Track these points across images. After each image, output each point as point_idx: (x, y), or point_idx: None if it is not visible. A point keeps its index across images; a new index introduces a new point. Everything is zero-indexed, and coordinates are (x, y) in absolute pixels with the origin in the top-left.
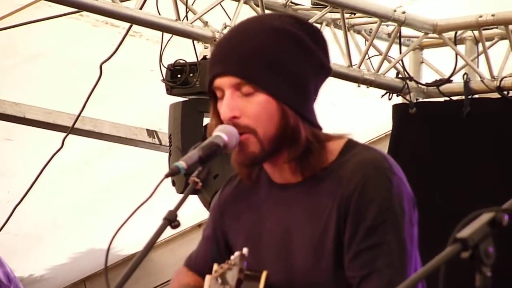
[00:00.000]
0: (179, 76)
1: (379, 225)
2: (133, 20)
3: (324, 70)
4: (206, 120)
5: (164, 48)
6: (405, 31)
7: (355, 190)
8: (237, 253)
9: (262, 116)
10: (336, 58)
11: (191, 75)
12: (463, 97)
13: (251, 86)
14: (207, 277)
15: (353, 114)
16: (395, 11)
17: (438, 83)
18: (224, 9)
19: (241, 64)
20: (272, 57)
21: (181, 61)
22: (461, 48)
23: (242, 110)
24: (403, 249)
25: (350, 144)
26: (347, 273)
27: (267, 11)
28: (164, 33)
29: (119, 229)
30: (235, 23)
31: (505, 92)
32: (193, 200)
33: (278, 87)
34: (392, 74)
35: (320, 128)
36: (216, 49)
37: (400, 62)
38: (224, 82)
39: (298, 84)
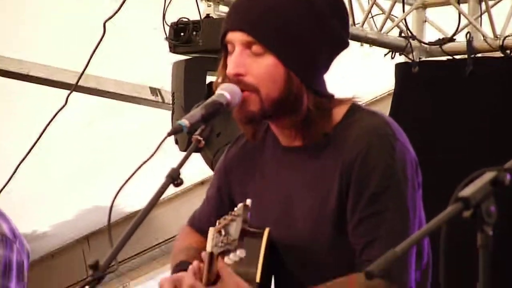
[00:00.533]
0: (182, 34)
1: (382, 192)
2: None
3: (339, 41)
4: (209, 79)
5: (167, 6)
6: None
7: (358, 157)
8: (240, 204)
9: (267, 78)
10: None
11: (194, 33)
12: (466, 56)
13: (261, 46)
14: (211, 229)
15: (356, 73)
16: None
17: (441, 42)
18: None
19: (254, 23)
20: (287, 22)
21: (184, 19)
22: (464, 7)
23: (248, 68)
24: (406, 215)
25: (354, 109)
26: (350, 239)
27: None
28: None
29: (122, 186)
30: None
31: (508, 51)
32: (196, 158)
33: (287, 52)
34: (395, 33)
35: (329, 96)
36: (235, 3)
37: (403, 21)
38: (235, 37)
39: (309, 52)
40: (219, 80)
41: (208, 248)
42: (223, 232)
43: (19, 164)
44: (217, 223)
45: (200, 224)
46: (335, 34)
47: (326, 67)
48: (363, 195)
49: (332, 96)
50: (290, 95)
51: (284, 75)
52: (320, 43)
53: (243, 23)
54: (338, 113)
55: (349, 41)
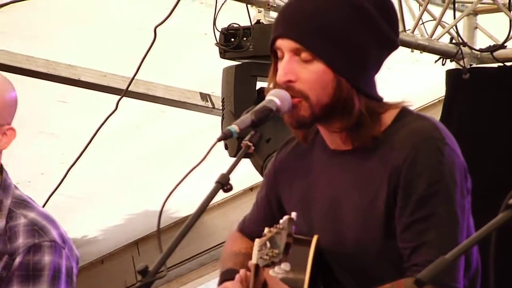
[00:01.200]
0: (232, 40)
1: (430, 197)
2: None
3: (389, 42)
4: (259, 84)
5: (218, 12)
6: None
7: (406, 161)
8: (285, 217)
9: (316, 84)
10: None
11: (245, 39)
12: None
13: (309, 53)
14: (256, 241)
15: (406, 79)
16: None
17: (492, 49)
18: None
19: (302, 30)
20: (335, 27)
21: (235, 25)
22: None
23: (298, 75)
24: (455, 221)
25: (404, 113)
26: (399, 244)
27: None
28: None
29: (172, 191)
30: None
31: None
32: (246, 164)
33: (336, 58)
34: (445, 39)
35: (379, 99)
36: (283, 10)
37: (454, 27)
38: (284, 44)
39: (358, 57)
40: (270, 87)
41: (254, 260)
42: (268, 245)
43: (69, 168)
44: (263, 235)
45: (249, 229)
46: (383, 36)
47: (376, 69)
48: (411, 199)
49: (381, 99)
50: (340, 99)
51: (334, 81)
52: (369, 46)
53: (290, 30)
54: (388, 117)
55: (400, 47)
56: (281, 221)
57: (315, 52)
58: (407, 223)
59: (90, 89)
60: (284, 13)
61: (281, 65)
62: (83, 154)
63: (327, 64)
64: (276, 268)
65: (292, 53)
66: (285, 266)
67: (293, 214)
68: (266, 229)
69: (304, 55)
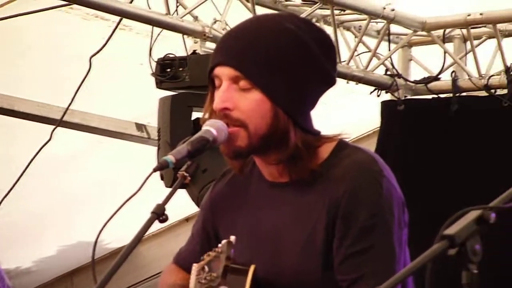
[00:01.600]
0: (168, 70)
1: (368, 229)
2: (123, 14)
3: (327, 78)
4: (195, 115)
5: (153, 43)
6: (394, 28)
7: (345, 194)
8: (224, 241)
9: (254, 113)
10: None
11: (181, 69)
12: (451, 95)
13: (248, 81)
14: (194, 265)
15: (341, 110)
16: (384, 8)
17: (426, 81)
18: (214, 4)
19: (241, 58)
20: (275, 57)
21: (171, 55)
22: (449, 46)
23: (236, 103)
24: (392, 253)
25: (341, 146)
26: (337, 276)
27: (257, 7)
28: (154, 27)
29: (107, 222)
30: (225, 18)
31: (493, 91)
32: (182, 194)
33: (275, 88)
34: (381, 71)
35: (315, 134)
36: (224, 38)
37: (389, 59)
38: (223, 72)
39: (296, 89)
40: (206, 116)
41: (192, 285)
42: (206, 269)
43: (3, 199)
44: (201, 259)
45: (185, 261)
46: (322, 70)
47: (313, 104)
48: (349, 231)
49: (318, 132)
50: (277, 130)
51: (271, 111)
52: (308, 79)
53: (230, 58)
54: (325, 150)
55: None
56: (219, 245)
57: (253, 81)
58: (345, 254)
59: (25, 119)
60: (224, 41)
61: (219, 93)
62: (17, 184)
63: (265, 93)
64: None
65: (230, 81)
66: None
67: (232, 238)
68: (205, 255)
69: (243, 83)
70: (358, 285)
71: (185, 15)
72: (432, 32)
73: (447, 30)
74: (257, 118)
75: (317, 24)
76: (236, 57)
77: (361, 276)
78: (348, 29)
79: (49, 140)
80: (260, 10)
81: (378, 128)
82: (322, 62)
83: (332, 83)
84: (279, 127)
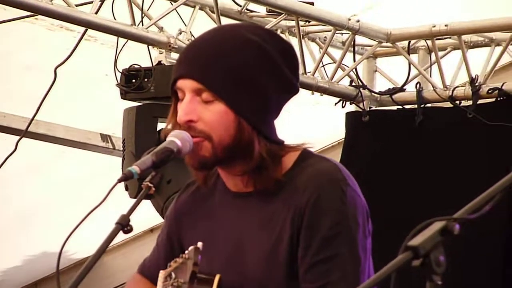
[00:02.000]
0: (133, 81)
1: (333, 237)
2: (88, 25)
3: (290, 88)
4: (160, 125)
5: (119, 53)
6: (359, 39)
7: (309, 202)
8: (191, 247)
9: (218, 125)
10: None
11: (146, 80)
12: (416, 106)
13: (211, 93)
14: (161, 272)
15: (306, 121)
16: (349, 19)
17: (391, 92)
18: (179, 15)
19: (204, 70)
20: (238, 69)
21: (136, 66)
22: (414, 57)
23: (199, 115)
24: (357, 261)
25: (305, 155)
26: (301, 285)
27: (222, 18)
28: (119, 38)
29: (72, 232)
30: (190, 29)
31: (457, 102)
32: (146, 205)
33: (237, 99)
34: (345, 82)
35: (279, 143)
36: (186, 50)
37: (354, 70)
38: (186, 84)
39: (259, 99)
40: (169, 127)
41: None
42: (173, 275)
43: None
44: (168, 266)
45: (150, 271)
46: (285, 80)
47: (276, 113)
48: (314, 240)
49: (282, 142)
50: (242, 141)
51: (235, 122)
52: (271, 89)
53: (192, 70)
54: (289, 159)
55: (300, 89)
56: (186, 251)
57: (216, 93)
58: (310, 263)
59: None
60: (186, 54)
61: (182, 105)
62: None
63: (228, 105)
64: None
65: (193, 93)
66: None
67: (199, 244)
68: (172, 261)
69: (205, 95)
70: None
71: (150, 26)
72: (397, 43)
73: (412, 42)
74: (221, 130)
75: (282, 35)
76: (199, 69)
77: (325, 284)
78: (313, 40)
79: (14, 151)
80: (225, 21)
81: (343, 139)
82: (285, 72)
83: (295, 92)
84: (243, 138)
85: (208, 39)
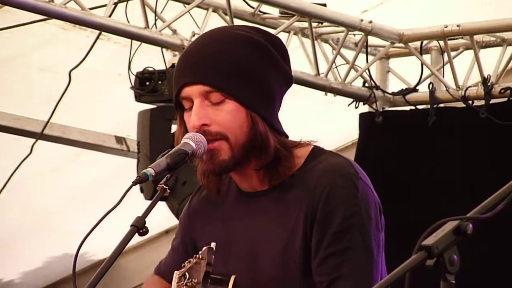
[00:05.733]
0: (147, 83)
1: (345, 231)
2: (102, 28)
3: (288, 79)
4: (175, 128)
5: (133, 56)
6: (372, 40)
7: (321, 197)
8: (205, 247)
9: (232, 123)
10: (304, 67)
11: (160, 82)
12: (429, 106)
13: (220, 94)
14: (175, 272)
15: (320, 122)
16: (362, 20)
17: (404, 92)
18: (192, 17)
19: (209, 72)
20: (239, 65)
21: (150, 69)
22: (426, 57)
23: (212, 118)
24: (370, 254)
25: (316, 151)
26: (314, 278)
27: (235, 20)
28: (133, 40)
29: (88, 235)
30: (204, 31)
31: (470, 102)
32: (161, 207)
33: (246, 94)
34: (358, 83)
35: (286, 136)
36: (184, 58)
37: (367, 71)
38: (192, 91)
39: (265, 92)
40: (179, 138)
41: None
42: (187, 275)
43: None
44: (182, 266)
45: (166, 273)
46: (282, 71)
47: (279, 106)
48: (327, 233)
49: (288, 136)
50: (256, 136)
51: (247, 118)
52: (273, 81)
53: (196, 75)
54: (302, 155)
55: (313, 90)
56: (200, 251)
57: (225, 91)
58: (323, 256)
59: (4, 132)
60: (186, 61)
61: (193, 111)
62: None
63: (238, 101)
64: None
65: (201, 97)
66: None
67: (213, 244)
68: (186, 261)
69: (214, 97)
70: (335, 286)
71: (163, 29)
72: (410, 44)
73: (425, 42)
74: (236, 128)
75: (295, 36)
76: (202, 72)
77: (338, 277)
78: (326, 41)
79: (30, 153)
80: (238, 23)
81: (356, 140)
82: (281, 63)
83: (291, 82)
84: (257, 133)
85: (202, 44)
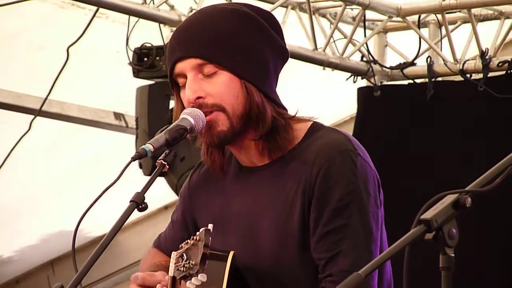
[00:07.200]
0: (145, 59)
1: (344, 207)
2: (99, 4)
3: (283, 53)
4: (173, 103)
5: (130, 32)
6: (370, 14)
7: (319, 173)
8: (202, 229)
9: (227, 94)
10: (302, 42)
11: (158, 58)
12: (427, 80)
13: (212, 65)
14: (173, 253)
15: (318, 97)
16: None
17: (402, 66)
18: None
19: (200, 45)
20: (230, 36)
21: (148, 45)
22: (424, 31)
23: (206, 90)
24: (369, 230)
25: (315, 127)
26: (313, 255)
27: None
28: (131, 16)
29: (87, 211)
30: (201, 7)
31: (468, 75)
32: (160, 183)
33: (238, 65)
34: (356, 57)
35: (284, 109)
36: (174, 37)
37: (365, 45)
38: (185, 65)
39: (259, 63)
40: (177, 115)
41: (170, 272)
42: (184, 257)
43: None
44: (179, 248)
45: (166, 246)
46: (275, 42)
47: (275, 79)
48: (325, 210)
49: (286, 109)
50: (253, 105)
51: (242, 88)
52: (265, 51)
53: (188, 49)
54: (301, 129)
55: (311, 64)
56: (197, 232)
57: (217, 62)
58: (321, 233)
59: (3, 109)
60: (177, 38)
61: (187, 85)
62: None
63: (232, 71)
64: (193, 280)
65: (195, 71)
66: (202, 277)
67: (210, 226)
68: (183, 243)
69: (207, 69)
70: (334, 262)
71: (161, 4)
72: (407, 17)
73: (422, 16)
74: (231, 99)
75: (293, 11)
76: (195, 46)
77: (337, 253)
78: (323, 16)
79: (28, 130)
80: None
81: (355, 115)
82: (273, 35)
83: (287, 57)
84: (253, 102)
85: (193, 20)
